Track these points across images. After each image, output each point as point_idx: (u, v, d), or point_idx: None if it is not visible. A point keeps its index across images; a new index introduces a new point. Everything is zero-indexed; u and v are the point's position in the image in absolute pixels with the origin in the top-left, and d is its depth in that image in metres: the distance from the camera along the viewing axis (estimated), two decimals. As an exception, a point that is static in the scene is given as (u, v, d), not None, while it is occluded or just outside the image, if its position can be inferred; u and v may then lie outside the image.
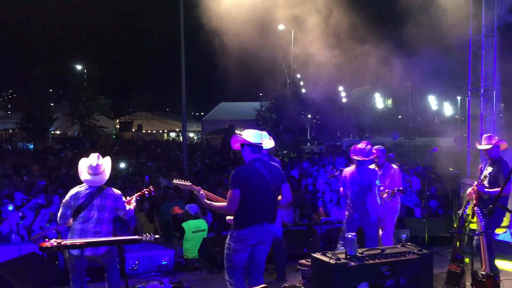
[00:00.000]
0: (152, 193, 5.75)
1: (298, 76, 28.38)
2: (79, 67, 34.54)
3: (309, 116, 31.21)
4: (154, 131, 43.05)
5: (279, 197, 4.80)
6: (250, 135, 4.75)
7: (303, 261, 6.12)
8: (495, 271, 5.42)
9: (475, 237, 5.54)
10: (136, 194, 5.49)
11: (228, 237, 4.66)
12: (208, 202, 4.85)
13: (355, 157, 6.09)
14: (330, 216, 9.10)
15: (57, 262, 6.82)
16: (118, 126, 41.85)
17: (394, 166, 6.79)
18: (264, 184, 4.63)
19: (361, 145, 6.16)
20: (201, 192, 4.88)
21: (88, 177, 4.96)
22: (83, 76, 34.19)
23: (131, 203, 5.28)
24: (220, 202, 4.92)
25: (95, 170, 4.95)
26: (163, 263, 7.08)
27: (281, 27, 14.37)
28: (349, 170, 6.19)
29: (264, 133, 6.73)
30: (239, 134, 4.92)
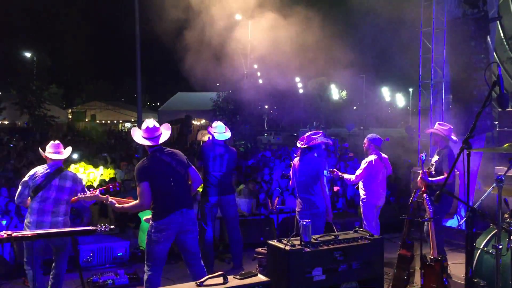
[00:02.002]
0: (117, 189, 5.69)
1: (255, 66, 28.40)
2: (28, 54, 33.21)
3: (266, 106, 31.31)
4: (109, 121, 42.09)
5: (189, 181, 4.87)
6: (144, 128, 4.77)
7: (260, 249, 6.20)
8: (442, 255, 5.66)
9: (424, 223, 5.75)
10: (100, 188, 5.43)
11: (149, 227, 4.70)
12: (120, 206, 4.88)
13: (298, 144, 6.17)
14: (286, 205, 9.23)
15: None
16: (70, 116, 40.64)
17: (372, 157, 6.67)
18: (170, 170, 4.68)
19: (309, 133, 6.20)
20: (110, 199, 4.91)
21: (51, 155, 5.11)
22: (33, 64, 32.90)
23: (94, 193, 5.25)
24: (131, 202, 4.92)
25: (55, 148, 5.13)
26: (118, 254, 7.01)
27: (238, 17, 14.31)
28: (296, 160, 6.26)
29: (220, 124, 6.79)
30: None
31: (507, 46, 11.92)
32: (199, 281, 3.47)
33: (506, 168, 4.35)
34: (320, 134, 6.14)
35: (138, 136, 4.85)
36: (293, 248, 3.94)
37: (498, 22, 10.12)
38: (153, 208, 4.66)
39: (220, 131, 6.68)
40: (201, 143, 11.48)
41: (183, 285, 3.48)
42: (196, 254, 4.83)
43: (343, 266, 4.10)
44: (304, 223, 4.12)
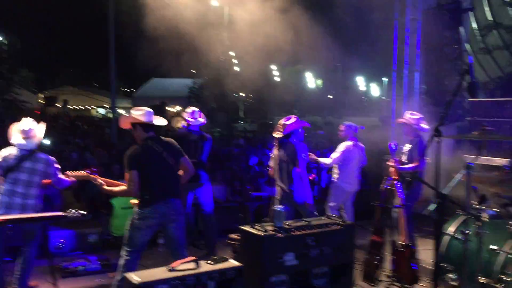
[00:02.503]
0: (95, 174, 5.59)
1: (232, 54, 28.21)
2: (-2, 37, 32.20)
3: (242, 94, 31.22)
4: (82, 107, 41.31)
5: (181, 172, 4.87)
6: (142, 113, 4.73)
7: (234, 235, 6.22)
8: (412, 241, 5.78)
9: (395, 210, 5.84)
10: (76, 173, 5.33)
11: (133, 213, 4.69)
12: (108, 188, 4.85)
13: (275, 135, 6.16)
14: (261, 192, 9.27)
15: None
16: (41, 101, 39.68)
17: (350, 142, 6.92)
18: (160, 161, 4.68)
19: (282, 120, 6.17)
20: (99, 180, 4.86)
21: (20, 140, 5.01)
22: (2, 47, 31.93)
23: (69, 176, 5.17)
24: (120, 186, 4.88)
25: (27, 133, 5.02)
26: (90, 240, 6.94)
27: (214, 2, 14.16)
28: (275, 149, 6.25)
29: (195, 109, 6.75)
30: (130, 113, 4.85)
31: (479, 37, 12.13)
32: (171, 265, 3.46)
33: (475, 156, 4.45)
34: (294, 118, 6.11)
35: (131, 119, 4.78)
36: (266, 233, 3.96)
37: (472, 12, 10.26)
38: (139, 195, 4.65)
39: (194, 116, 6.64)
40: (176, 130, 11.37)
41: (155, 270, 3.46)
42: (179, 243, 4.83)
43: (315, 251, 4.14)
44: (277, 208, 4.14)
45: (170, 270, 3.42)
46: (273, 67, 28.92)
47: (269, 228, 4.09)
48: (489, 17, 11.45)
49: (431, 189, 3.59)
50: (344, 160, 6.88)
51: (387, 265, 5.64)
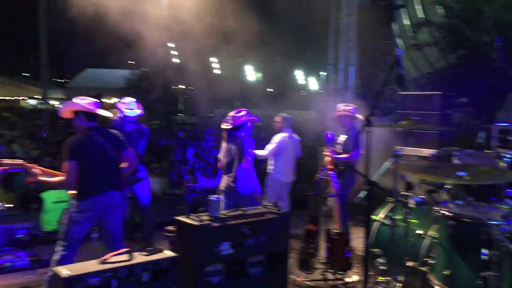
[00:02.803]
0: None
1: (171, 45, 27.71)
2: None
3: (182, 86, 30.82)
4: (11, 98, 39.14)
5: (124, 164, 4.78)
6: (87, 102, 4.60)
7: (170, 227, 6.14)
8: (346, 229, 5.97)
9: (330, 199, 6.00)
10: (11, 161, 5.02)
11: (70, 207, 4.54)
12: (44, 178, 4.64)
13: (224, 126, 6.11)
14: (198, 184, 9.23)
15: None
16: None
17: (285, 134, 7.01)
18: (101, 152, 4.57)
19: (232, 113, 6.14)
20: (35, 170, 4.67)
21: None
22: None
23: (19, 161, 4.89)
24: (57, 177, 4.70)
25: None
26: (18, 236, 6.63)
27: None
28: (224, 141, 6.22)
29: (131, 99, 6.58)
30: (72, 101, 4.69)
31: (411, 34, 12.64)
32: (103, 258, 3.37)
33: (404, 146, 4.65)
34: (244, 111, 6.09)
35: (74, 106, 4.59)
36: (201, 223, 3.95)
37: (405, 9, 10.67)
38: (77, 187, 4.47)
39: (131, 107, 6.48)
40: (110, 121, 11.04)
41: (86, 263, 3.36)
42: (116, 235, 4.70)
43: (250, 240, 4.17)
44: (213, 198, 4.14)
45: (102, 263, 3.33)
46: (213, 59, 28.77)
47: (205, 218, 4.08)
48: (420, 15, 11.97)
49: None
50: (278, 151, 6.98)
51: (322, 253, 5.78)
